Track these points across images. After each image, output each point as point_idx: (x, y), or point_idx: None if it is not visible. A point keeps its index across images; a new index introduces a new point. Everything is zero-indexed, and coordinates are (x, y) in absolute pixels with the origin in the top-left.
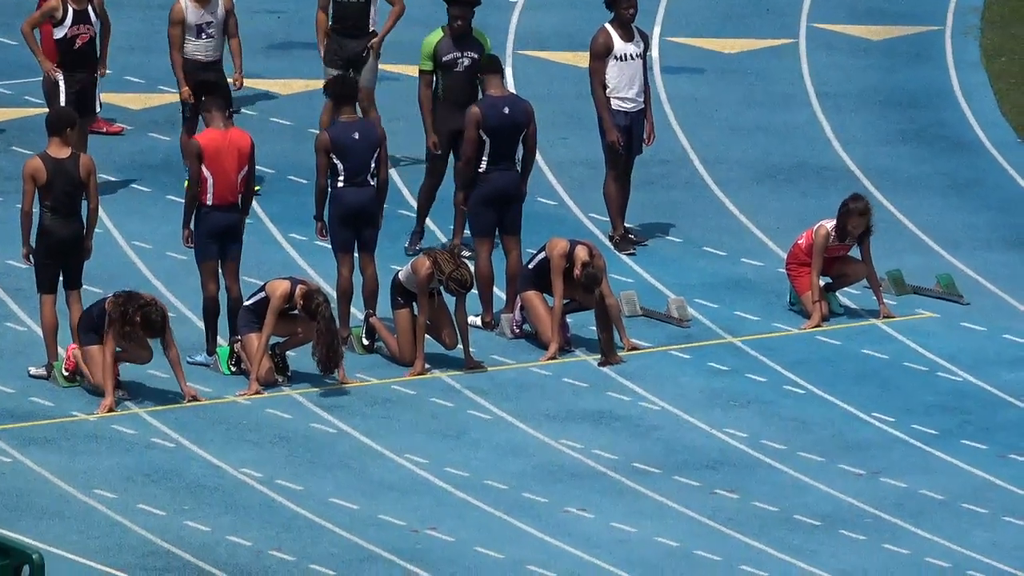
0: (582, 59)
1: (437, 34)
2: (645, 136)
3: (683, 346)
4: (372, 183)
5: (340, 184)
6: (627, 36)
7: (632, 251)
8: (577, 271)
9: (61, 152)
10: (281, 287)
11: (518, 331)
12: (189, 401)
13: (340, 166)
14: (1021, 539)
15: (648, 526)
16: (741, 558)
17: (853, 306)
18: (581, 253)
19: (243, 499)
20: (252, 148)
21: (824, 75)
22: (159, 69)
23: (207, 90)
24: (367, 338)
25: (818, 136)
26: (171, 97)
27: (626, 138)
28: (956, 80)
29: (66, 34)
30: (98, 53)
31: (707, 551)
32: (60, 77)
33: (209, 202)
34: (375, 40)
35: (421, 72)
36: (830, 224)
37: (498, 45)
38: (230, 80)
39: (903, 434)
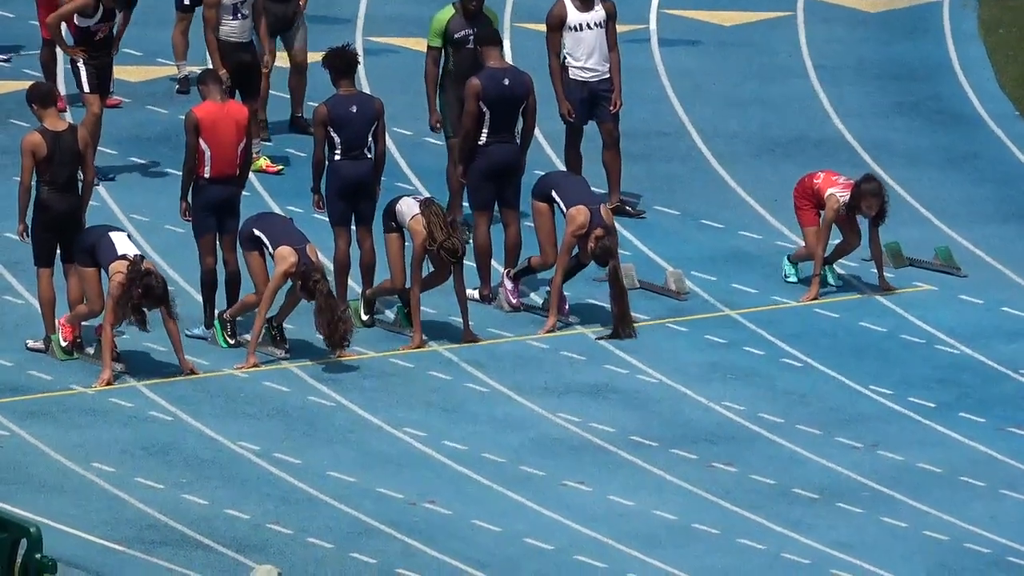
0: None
1: (448, 11)
2: (611, 104)
3: (681, 319)
4: (369, 156)
5: (337, 157)
6: (585, 6)
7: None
8: (592, 244)
9: (59, 125)
10: (287, 262)
11: (515, 301)
12: (187, 374)
13: (337, 139)
14: (1019, 512)
15: (646, 499)
16: (739, 531)
17: (848, 276)
18: (598, 229)
19: (241, 472)
20: (249, 121)
21: (821, 47)
22: (157, 42)
23: (244, 72)
24: (366, 312)
25: (816, 109)
26: (169, 70)
27: (587, 108)
28: (954, 52)
29: (89, 26)
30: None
31: (705, 524)
32: (82, 61)
33: (207, 175)
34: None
35: (429, 48)
36: (843, 198)
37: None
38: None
39: (901, 407)
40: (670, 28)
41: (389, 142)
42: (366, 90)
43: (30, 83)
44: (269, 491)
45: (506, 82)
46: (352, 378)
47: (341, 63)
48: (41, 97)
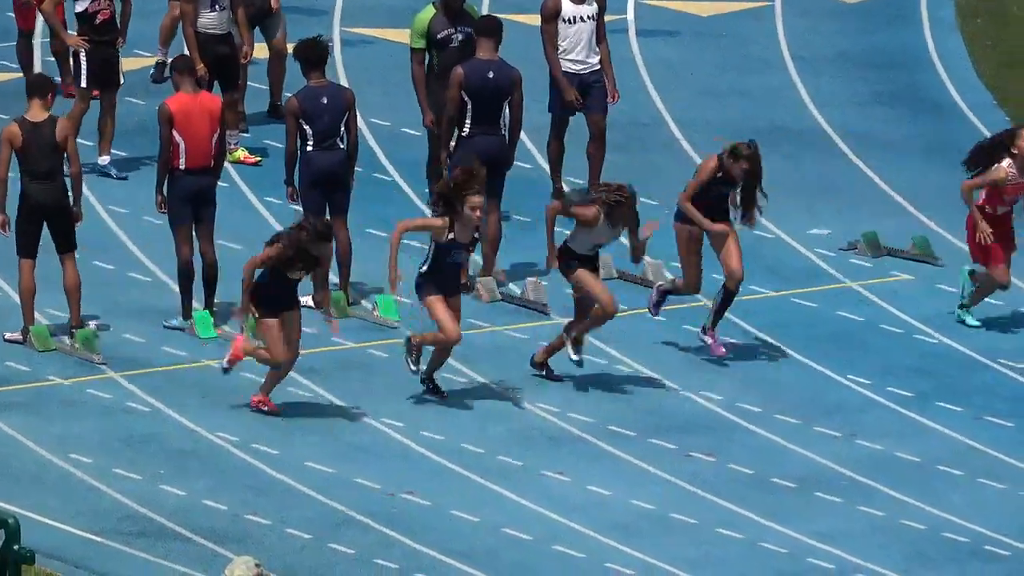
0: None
1: (429, 11)
2: (609, 96)
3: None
4: (342, 147)
5: (309, 148)
6: None
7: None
8: (735, 169)
9: (39, 116)
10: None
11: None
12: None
13: (309, 130)
14: (997, 501)
15: (624, 489)
16: (717, 521)
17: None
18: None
19: (219, 463)
20: (223, 111)
21: (799, 38)
22: (136, 33)
23: (223, 64)
24: (576, 352)
25: (794, 99)
26: (147, 61)
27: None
28: (932, 42)
29: (87, 9)
30: (119, 25)
31: (683, 514)
32: (83, 50)
33: (182, 166)
34: None
35: (413, 50)
36: (1005, 162)
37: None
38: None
39: (879, 396)
40: (648, 18)
41: (366, 133)
42: (343, 81)
43: (5, 75)
44: (247, 482)
45: (490, 74)
46: (331, 369)
47: (312, 54)
48: (27, 88)
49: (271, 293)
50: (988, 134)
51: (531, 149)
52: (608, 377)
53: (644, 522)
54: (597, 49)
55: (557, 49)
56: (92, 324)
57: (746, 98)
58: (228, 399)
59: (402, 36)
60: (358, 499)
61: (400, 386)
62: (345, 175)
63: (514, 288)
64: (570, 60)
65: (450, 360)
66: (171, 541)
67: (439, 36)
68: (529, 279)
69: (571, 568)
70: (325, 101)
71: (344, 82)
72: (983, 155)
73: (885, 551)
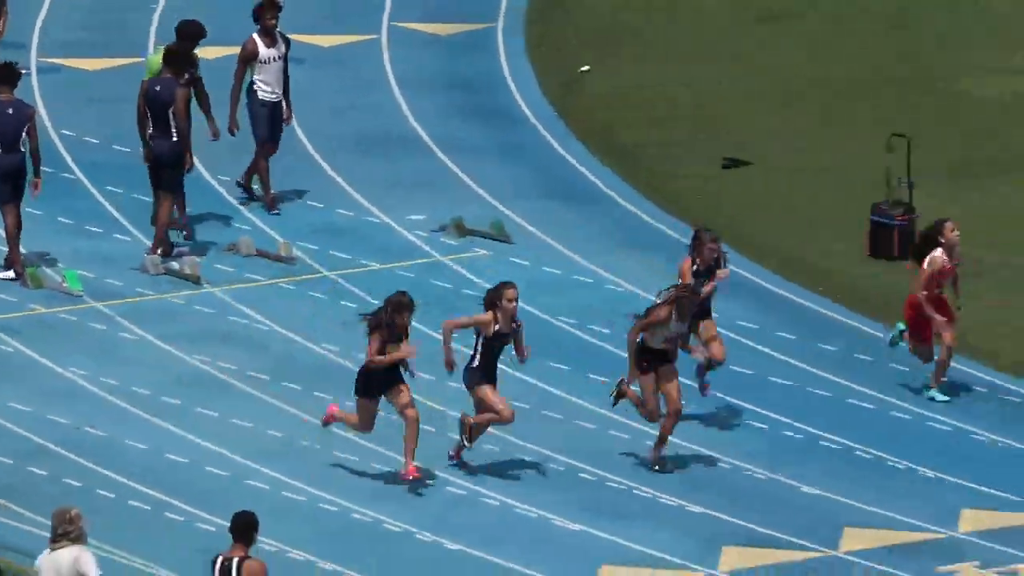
0: (218, 52)
1: (161, 52)
2: (284, 118)
3: (289, 279)
4: (23, 150)
5: None
6: (270, 42)
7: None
8: (705, 253)
9: None
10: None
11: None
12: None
13: None
14: (556, 428)
15: (261, 422)
16: (335, 444)
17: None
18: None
19: None
20: None
21: (402, 64)
22: None
23: None
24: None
25: (397, 113)
26: None
27: (269, 123)
28: (506, 67)
29: None
30: None
31: (308, 441)
32: None
33: None
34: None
35: (143, 82)
36: (938, 251)
37: (142, 44)
38: None
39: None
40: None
41: (56, 141)
42: (38, 99)
43: None
44: None
45: (158, 88)
46: (28, 328)
47: (3, 75)
48: None
49: (372, 376)
50: (550, 139)
51: (195, 158)
52: (249, 334)
53: (278, 447)
54: (282, 80)
55: (248, 84)
56: None
57: (360, 112)
58: None
59: (85, 64)
60: (50, 432)
61: (84, 342)
62: (24, 173)
63: (175, 264)
64: (267, 91)
65: (124, 320)
66: None
67: None
68: (186, 257)
69: (218, 484)
70: (10, 112)
71: (39, 100)
72: (918, 250)
73: (458, 470)
